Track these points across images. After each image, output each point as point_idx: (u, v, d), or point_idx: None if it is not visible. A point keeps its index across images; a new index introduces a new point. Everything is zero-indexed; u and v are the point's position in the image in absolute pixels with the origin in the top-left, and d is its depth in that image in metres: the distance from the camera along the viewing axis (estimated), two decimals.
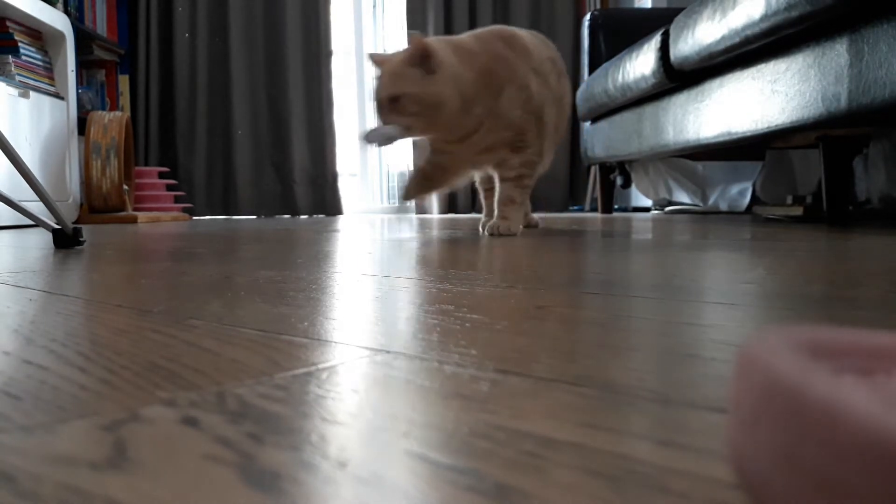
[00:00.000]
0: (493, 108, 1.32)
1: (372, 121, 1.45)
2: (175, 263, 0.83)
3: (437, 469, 0.19)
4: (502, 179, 1.40)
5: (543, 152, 1.44)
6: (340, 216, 3.52)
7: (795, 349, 0.16)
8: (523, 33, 1.43)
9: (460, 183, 1.51)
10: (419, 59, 1.22)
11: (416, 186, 1.43)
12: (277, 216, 3.64)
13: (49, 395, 0.26)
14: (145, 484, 0.18)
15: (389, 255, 0.91)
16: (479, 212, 1.98)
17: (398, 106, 1.23)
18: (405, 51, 1.24)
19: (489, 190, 1.53)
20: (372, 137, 1.25)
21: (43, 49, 2.75)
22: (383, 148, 1.32)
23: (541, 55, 1.42)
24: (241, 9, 3.63)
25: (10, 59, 2.50)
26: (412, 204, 3.74)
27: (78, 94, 2.95)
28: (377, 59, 1.28)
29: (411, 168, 1.41)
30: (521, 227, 1.40)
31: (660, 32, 1.95)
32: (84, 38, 3.14)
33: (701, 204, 3.00)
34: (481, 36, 1.36)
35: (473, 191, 1.58)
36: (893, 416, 0.12)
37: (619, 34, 2.89)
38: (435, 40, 1.29)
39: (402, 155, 3.75)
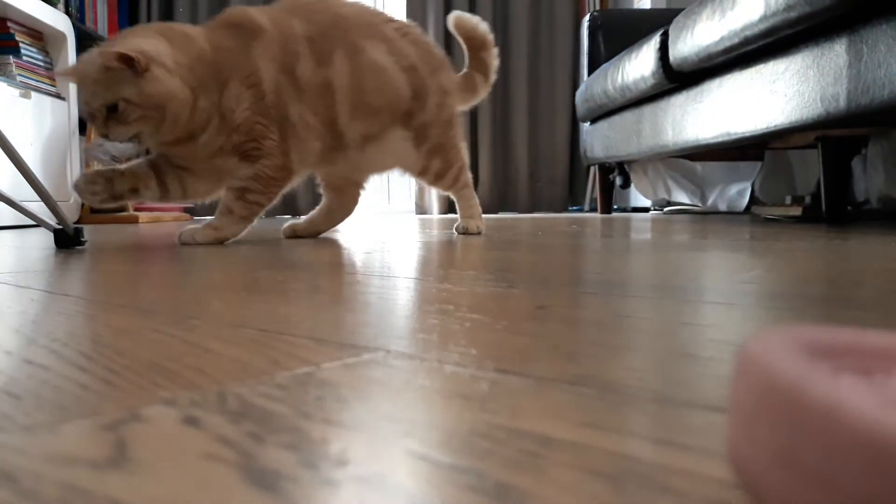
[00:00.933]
0: (219, 103, 1.15)
1: None
2: (176, 263, 0.83)
3: (438, 468, 0.19)
4: (227, 189, 1.21)
5: (291, 165, 1.22)
6: None
7: (795, 349, 0.16)
8: (265, 10, 1.23)
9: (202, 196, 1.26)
10: (121, 62, 1.06)
11: (103, 190, 1.18)
12: (278, 216, 3.64)
13: (50, 394, 0.26)
14: (146, 483, 0.18)
15: (388, 255, 0.92)
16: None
17: (118, 115, 1.08)
18: (100, 60, 1.06)
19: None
20: (97, 153, 1.05)
21: (44, 49, 2.75)
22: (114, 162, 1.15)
23: (287, 35, 1.20)
24: None
25: (12, 59, 2.50)
26: (412, 204, 3.74)
27: (79, 94, 2.95)
28: (66, 73, 1.12)
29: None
30: (211, 237, 1.18)
31: (659, 33, 1.95)
32: (85, 39, 3.13)
33: (700, 204, 3.00)
34: (208, 24, 1.23)
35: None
36: (891, 416, 0.12)
37: (619, 35, 2.89)
38: (135, 32, 1.14)
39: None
